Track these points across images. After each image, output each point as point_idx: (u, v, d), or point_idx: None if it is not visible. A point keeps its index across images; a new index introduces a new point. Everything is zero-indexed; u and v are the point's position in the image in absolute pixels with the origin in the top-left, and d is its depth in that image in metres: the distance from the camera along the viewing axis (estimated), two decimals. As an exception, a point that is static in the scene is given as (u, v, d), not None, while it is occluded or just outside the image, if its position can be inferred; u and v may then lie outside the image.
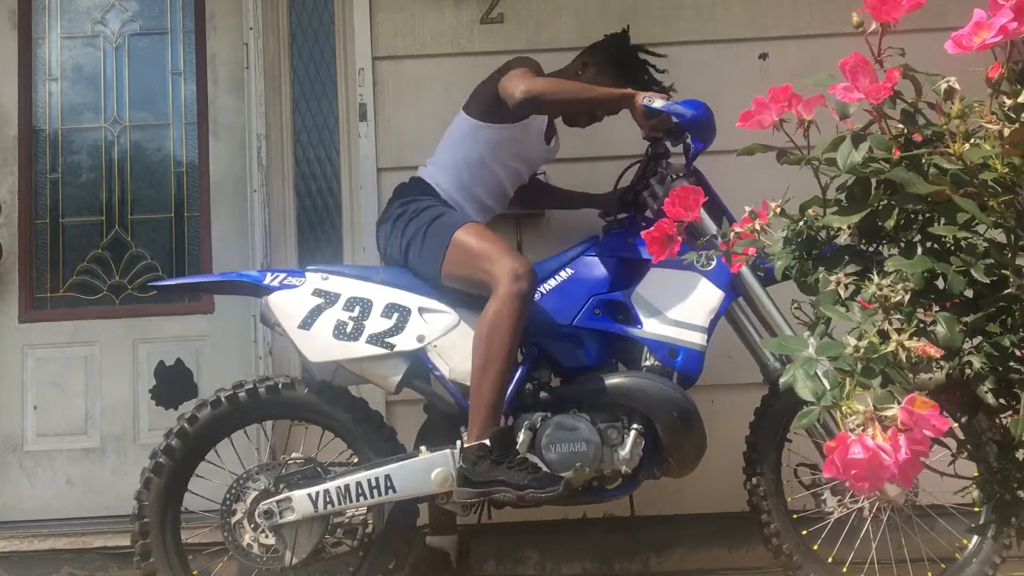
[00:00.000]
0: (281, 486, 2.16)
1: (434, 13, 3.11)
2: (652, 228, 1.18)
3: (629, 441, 2.16)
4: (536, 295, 2.23)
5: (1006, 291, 0.92)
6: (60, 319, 3.20)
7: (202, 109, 3.27)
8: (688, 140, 2.30)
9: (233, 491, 2.18)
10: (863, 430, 0.83)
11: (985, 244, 0.94)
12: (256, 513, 2.14)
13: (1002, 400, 0.98)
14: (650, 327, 2.21)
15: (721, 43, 3.10)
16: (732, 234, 1.14)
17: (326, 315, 2.17)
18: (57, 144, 3.29)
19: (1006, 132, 0.90)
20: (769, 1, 3.12)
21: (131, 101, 3.31)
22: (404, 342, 2.17)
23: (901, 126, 0.99)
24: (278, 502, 2.13)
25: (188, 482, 2.23)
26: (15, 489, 3.14)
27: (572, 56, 3.11)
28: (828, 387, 0.90)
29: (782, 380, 0.95)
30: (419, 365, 2.20)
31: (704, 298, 2.21)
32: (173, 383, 3.17)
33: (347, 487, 2.13)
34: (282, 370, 2.96)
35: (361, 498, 2.13)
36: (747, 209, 1.13)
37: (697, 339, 2.20)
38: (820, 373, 0.92)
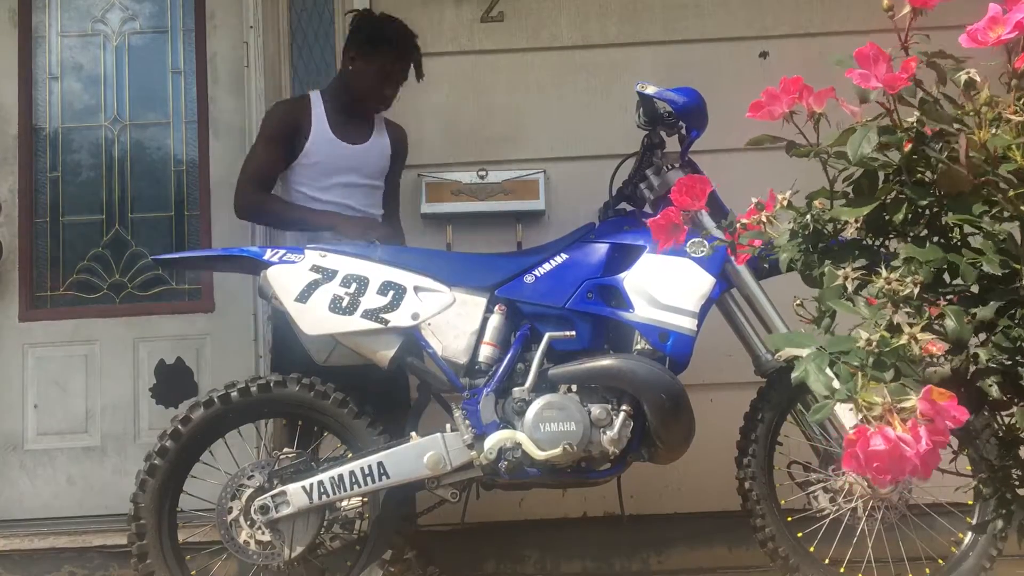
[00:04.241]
0: (275, 481, 2.17)
1: (434, 12, 3.11)
2: (658, 216, 1.17)
3: (618, 422, 2.17)
4: (531, 278, 2.29)
5: (1015, 284, 0.92)
6: (60, 318, 3.20)
7: (202, 108, 3.27)
8: (683, 130, 2.34)
9: (228, 489, 2.19)
10: (881, 422, 0.83)
11: (1003, 236, 0.94)
12: (252, 510, 2.14)
13: (1007, 396, 0.98)
14: (641, 311, 2.23)
15: (721, 42, 3.11)
16: (738, 225, 1.13)
17: (323, 290, 2.20)
18: (57, 143, 3.29)
19: (1026, 124, 0.90)
20: (769, 0, 3.12)
21: (131, 100, 3.31)
22: (398, 319, 2.19)
23: (912, 120, 0.98)
24: (273, 497, 2.14)
25: (184, 483, 2.23)
26: (16, 488, 3.14)
27: (571, 55, 3.14)
28: (839, 382, 0.89)
29: (794, 375, 0.95)
30: (413, 342, 2.23)
31: (695, 284, 2.23)
32: (173, 382, 3.17)
33: (340, 476, 2.15)
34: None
35: (355, 486, 2.15)
36: (753, 200, 1.13)
37: (687, 324, 2.21)
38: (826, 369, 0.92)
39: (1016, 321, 0.92)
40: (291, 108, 2.69)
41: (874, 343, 0.86)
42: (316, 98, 2.69)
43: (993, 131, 0.93)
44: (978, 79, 0.96)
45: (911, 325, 0.86)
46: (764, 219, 1.09)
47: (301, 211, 2.60)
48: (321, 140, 2.63)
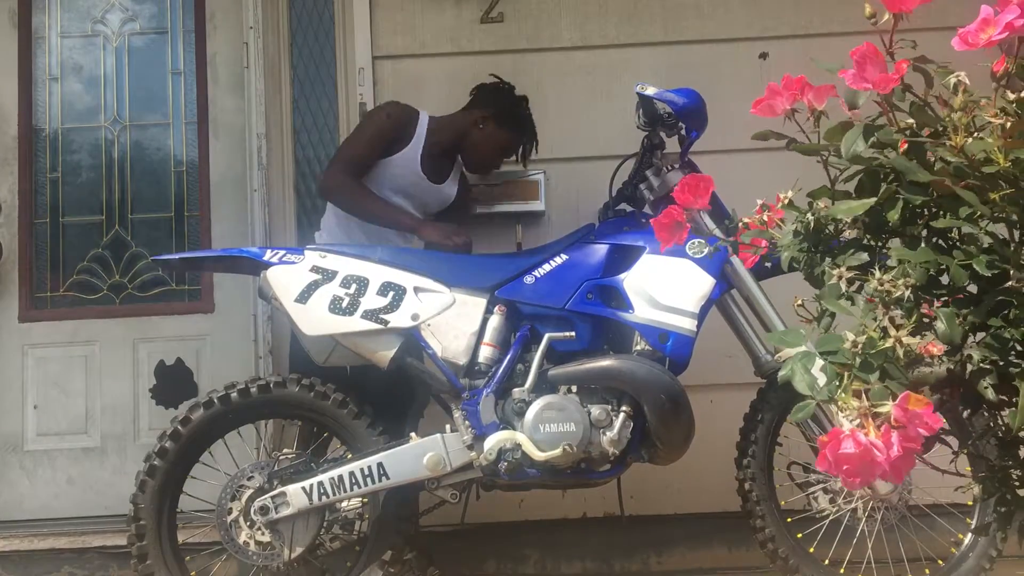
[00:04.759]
0: (275, 482, 2.18)
1: (434, 12, 3.11)
2: (660, 215, 1.18)
3: (617, 423, 2.18)
4: (531, 279, 2.29)
5: (1006, 284, 0.92)
6: (60, 319, 3.20)
7: (202, 109, 3.28)
8: (682, 130, 2.35)
9: (228, 490, 2.19)
10: (857, 426, 0.83)
11: (989, 238, 0.94)
12: (252, 510, 2.15)
13: (1003, 396, 0.98)
14: (641, 312, 2.23)
15: (721, 42, 3.11)
16: (741, 224, 1.13)
17: (323, 290, 2.20)
18: (57, 143, 3.29)
19: (1008, 126, 0.90)
20: (769, 1, 3.12)
21: (131, 100, 3.31)
22: (398, 319, 2.20)
23: (911, 120, 0.99)
24: (273, 497, 2.15)
25: (183, 483, 2.24)
26: (15, 488, 3.14)
27: (571, 55, 3.14)
28: (825, 382, 0.89)
29: (780, 374, 0.95)
30: (412, 343, 2.23)
31: (695, 285, 2.23)
32: (173, 382, 3.17)
33: (340, 477, 2.15)
34: (282, 369, 2.96)
35: (355, 487, 2.15)
36: (759, 202, 1.13)
37: (687, 324, 2.21)
38: (818, 368, 0.92)
39: (1008, 321, 0.92)
40: (404, 114, 2.68)
41: (860, 344, 0.86)
42: (423, 120, 2.69)
43: (975, 135, 0.93)
44: (966, 82, 0.96)
45: (898, 328, 0.87)
46: (765, 219, 1.09)
47: (387, 207, 2.59)
48: (408, 160, 2.65)
